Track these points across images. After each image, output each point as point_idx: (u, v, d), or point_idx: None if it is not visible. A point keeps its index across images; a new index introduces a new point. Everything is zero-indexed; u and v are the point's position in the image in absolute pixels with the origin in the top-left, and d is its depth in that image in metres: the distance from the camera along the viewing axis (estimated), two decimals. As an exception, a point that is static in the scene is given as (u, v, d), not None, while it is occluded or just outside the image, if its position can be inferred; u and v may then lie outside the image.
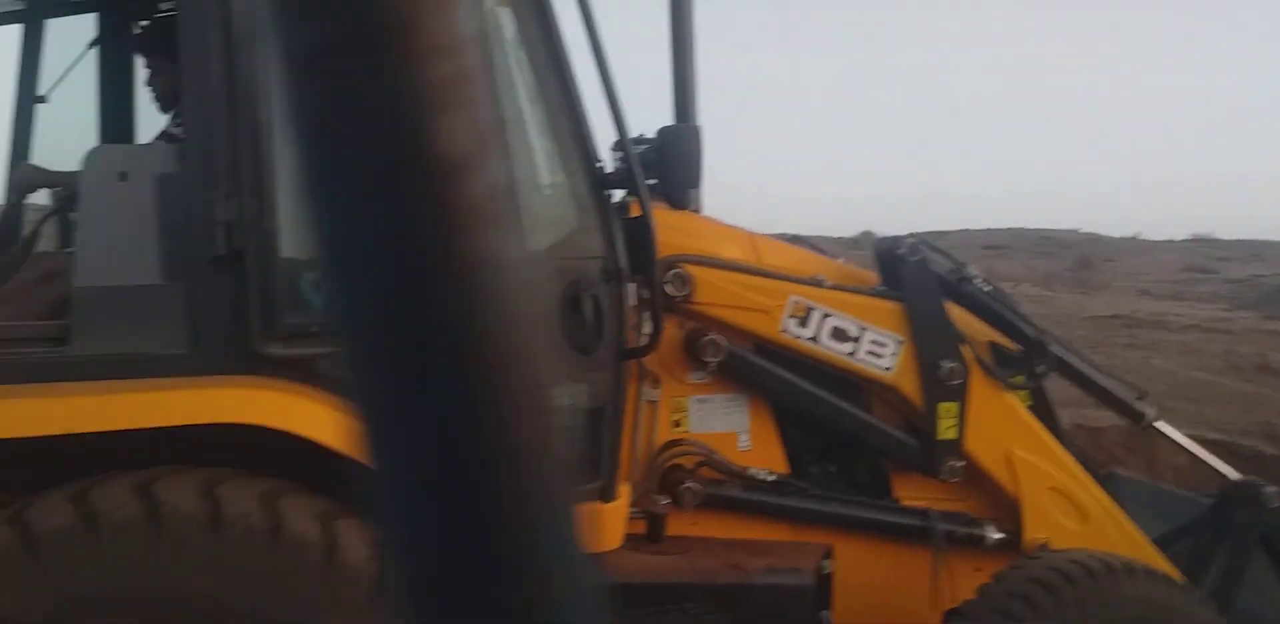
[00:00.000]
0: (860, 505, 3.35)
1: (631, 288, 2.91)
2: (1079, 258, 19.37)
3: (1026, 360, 3.46)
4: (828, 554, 3.17)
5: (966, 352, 3.38)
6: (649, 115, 3.05)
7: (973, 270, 3.53)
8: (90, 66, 3.74)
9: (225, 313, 2.47)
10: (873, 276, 3.52)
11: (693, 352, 3.19)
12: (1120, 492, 3.76)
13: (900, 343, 3.34)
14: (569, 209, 2.88)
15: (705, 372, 3.23)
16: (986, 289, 3.50)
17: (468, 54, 0.34)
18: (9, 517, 2.23)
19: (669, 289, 3.09)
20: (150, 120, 3.63)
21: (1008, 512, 3.42)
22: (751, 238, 3.42)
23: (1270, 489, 3.47)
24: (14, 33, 3.63)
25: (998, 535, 3.36)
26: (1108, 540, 3.37)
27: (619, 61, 2.86)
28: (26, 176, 3.31)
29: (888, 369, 3.33)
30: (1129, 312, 12.62)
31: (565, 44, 2.84)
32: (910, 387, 3.34)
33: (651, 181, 2.89)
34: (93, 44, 3.62)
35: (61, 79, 3.57)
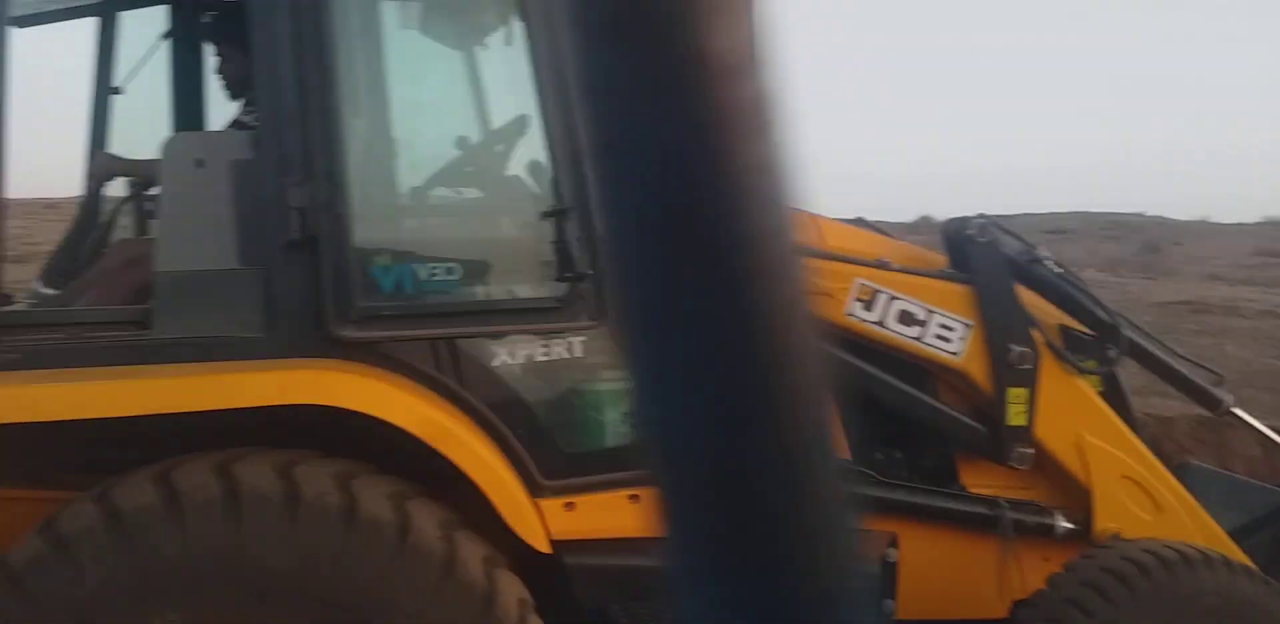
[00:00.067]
0: (926, 493, 3.31)
1: None
2: (1145, 242, 18.86)
3: (1099, 345, 3.38)
4: (892, 542, 3.13)
5: (1037, 336, 3.31)
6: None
7: (1043, 252, 3.46)
8: (162, 57, 3.82)
9: (300, 297, 2.51)
10: (940, 259, 3.46)
11: (756, 336, 3.17)
12: (1194, 482, 3.66)
13: (969, 327, 3.28)
14: None
15: None
16: (1057, 271, 3.42)
17: None
18: (96, 495, 2.31)
19: None
20: (221, 109, 3.70)
21: (1078, 500, 3.35)
22: (815, 220, 3.38)
23: None
24: (91, 26, 3.72)
25: (1068, 525, 3.30)
26: (1182, 531, 3.29)
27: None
28: (104, 165, 3.40)
29: (956, 354, 3.28)
30: (1199, 297, 12.26)
31: None
32: (979, 371, 3.29)
33: None
34: (165, 35, 3.69)
35: (136, 71, 3.65)
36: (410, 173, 3.03)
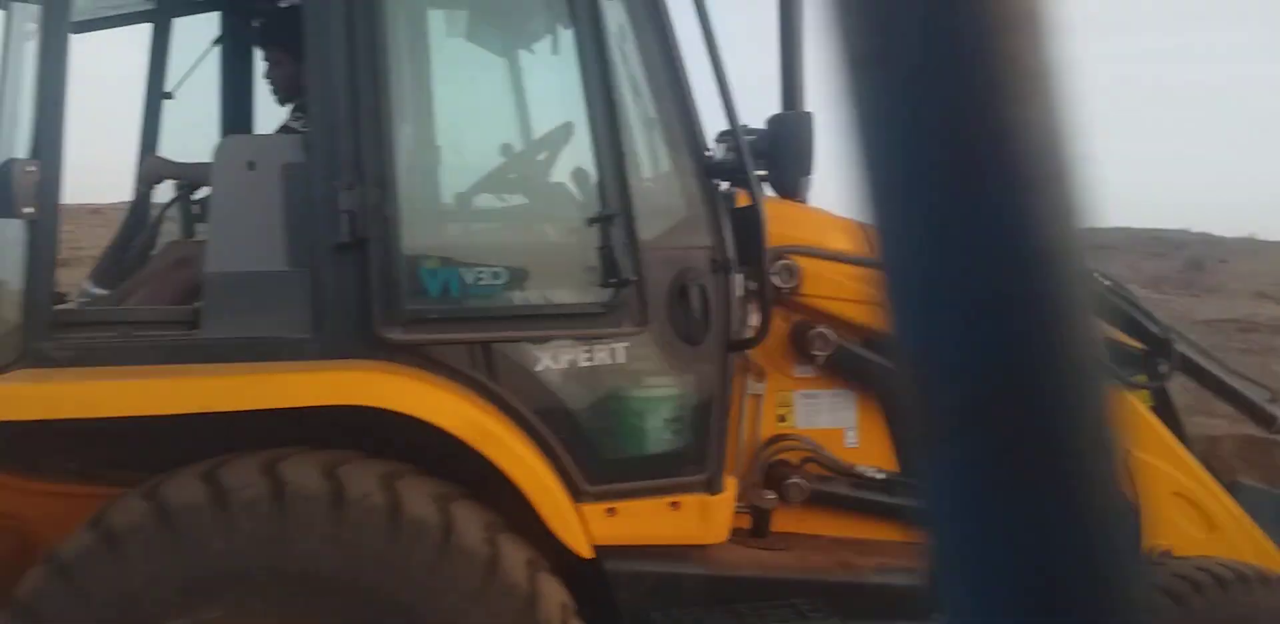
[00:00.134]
0: (972, 505, 3.26)
1: (739, 279, 2.88)
2: (1190, 258, 18.53)
3: (1149, 359, 3.31)
4: None
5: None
6: (752, 108, 2.99)
7: (1093, 264, 3.40)
8: (211, 63, 3.88)
9: (348, 299, 2.53)
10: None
11: (800, 345, 3.14)
12: (1245, 500, 3.57)
13: None
14: (677, 199, 2.86)
15: (812, 366, 3.17)
16: (1106, 284, 3.36)
17: None
18: (145, 492, 2.33)
19: (776, 280, 3.04)
20: (268, 114, 3.75)
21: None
22: (862, 229, 3.35)
23: None
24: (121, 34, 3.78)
25: None
26: (1236, 549, 3.21)
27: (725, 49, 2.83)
28: (153, 168, 3.45)
29: None
30: (1245, 315, 12.03)
31: (675, 32, 2.83)
32: None
33: (761, 173, 2.86)
34: (217, 41, 3.75)
35: (187, 76, 3.71)
36: (457, 178, 3.04)
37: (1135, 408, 3.32)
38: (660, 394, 2.83)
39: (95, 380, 2.41)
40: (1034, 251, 0.33)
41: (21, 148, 2.63)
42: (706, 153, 2.88)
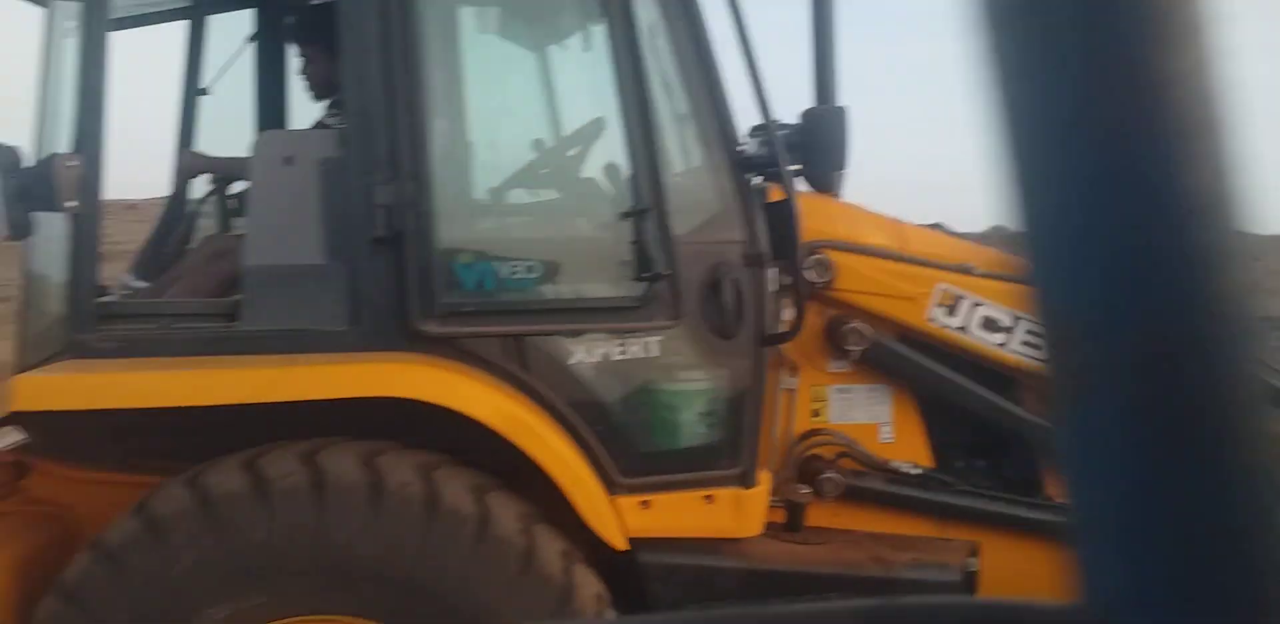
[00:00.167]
0: (1010, 502, 3.22)
1: (773, 273, 2.87)
2: None
3: None
4: (974, 552, 3.06)
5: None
6: (783, 103, 2.97)
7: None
8: (245, 59, 3.91)
9: (384, 292, 2.55)
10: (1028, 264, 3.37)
11: (834, 340, 3.12)
12: None
13: None
14: (710, 193, 2.85)
15: (846, 361, 3.15)
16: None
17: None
18: (186, 480, 2.36)
19: (810, 275, 3.02)
20: (303, 110, 3.77)
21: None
22: (896, 224, 3.33)
23: None
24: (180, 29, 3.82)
25: None
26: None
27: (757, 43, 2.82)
28: (190, 162, 3.48)
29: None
30: (1282, 312, 11.84)
31: (707, 26, 2.82)
32: None
33: (794, 167, 2.84)
34: (252, 38, 3.78)
35: (223, 72, 3.74)
36: (491, 173, 3.05)
37: None
38: (693, 388, 2.82)
39: (137, 371, 2.44)
40: (1187, 206, 0.32)
41: (63, 143, 2.66)
42: (739, 147, 2.87)
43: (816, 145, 2.82)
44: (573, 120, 3.34)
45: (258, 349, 2.51)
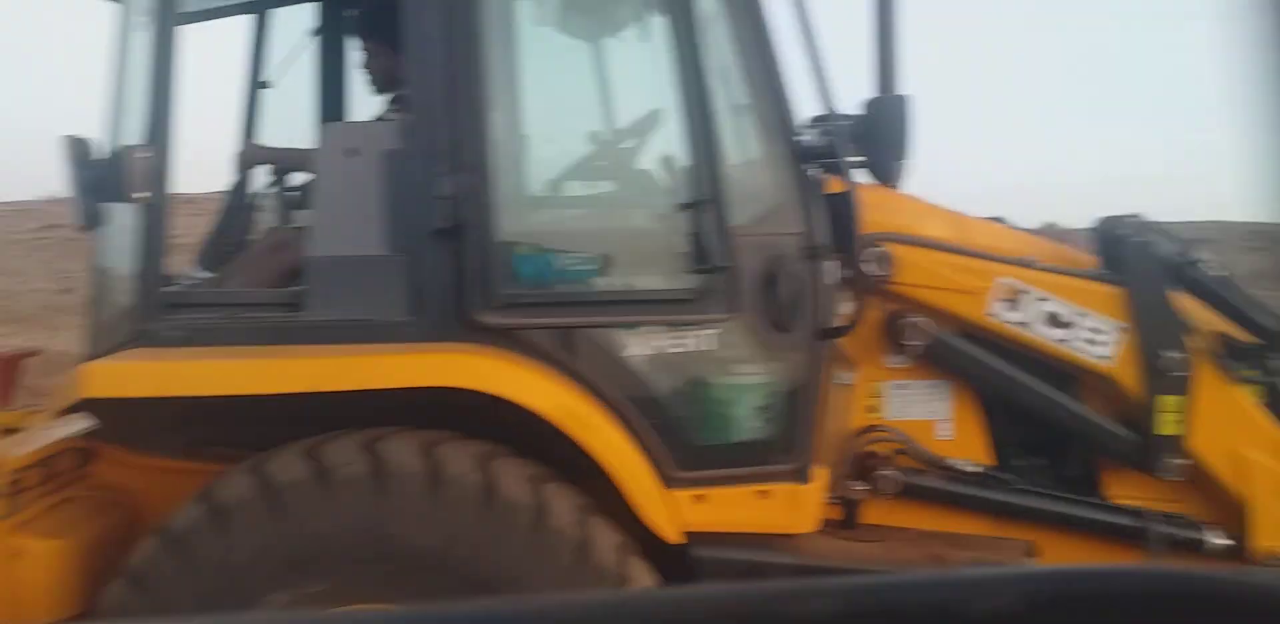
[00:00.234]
0: (1069, 502, 3.16)
1: (831, 266, 2.83)
2: (1288, 253, 17.77)
3: (1261, 353, 3.17)
4: (1031, 551, 3.01)
5: (1193, 342, 3.14)
6: (843, 95, 2.93)
7: (1201, 254, 3.27)
8: (307, 53, 3.95)
9: (444, 283, 2.56)
10: (1089, 259, 3.30)
11: (892, 334, 3.08)
12: None
13: (1120, 330, 3.13)
14: (769, 185, 2.83)
15: (905, 356, 3.11)
16: (1217, 275, 3.23)
17: None
18: (250, 468, 2.40)
19: (869, 268, 2.99)
20: (362, 104, 3.81)
21: (1233, 516, 3.15)
22: (957, 217, 3.27)
23: None
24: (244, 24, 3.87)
25: (1222, 541, 3.11)
26: (1352, 551, 3.06)
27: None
28: (252, 154, 3.53)
29: (1105, 358, 3.13)
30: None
31: (768, 15, 2.79)
32: (1129, 378, 3.13)
33: (855, 159, 2.81)
34: (316, 32, 3.82)
35: (286, 66, 3.78)
36: (550, 165, 3.06)
37: (1246, 403, 3.19)
38: (749, 382, 2.80)
39: (203, 359, 2.48)
40: None
41: (134, 135, 2.71)
42: (798, 137, 2.84)
43: (878, 135, 2.78)
44: (631, 112, 3.33)
45: (320, 339, 2.54)
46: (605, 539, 2.46)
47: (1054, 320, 3.11)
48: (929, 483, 3.10)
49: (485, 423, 2.55)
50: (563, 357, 2.63)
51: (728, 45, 2.81)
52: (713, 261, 2.64)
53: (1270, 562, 3.02)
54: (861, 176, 2.84)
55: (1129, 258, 3.16)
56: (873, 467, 3.05)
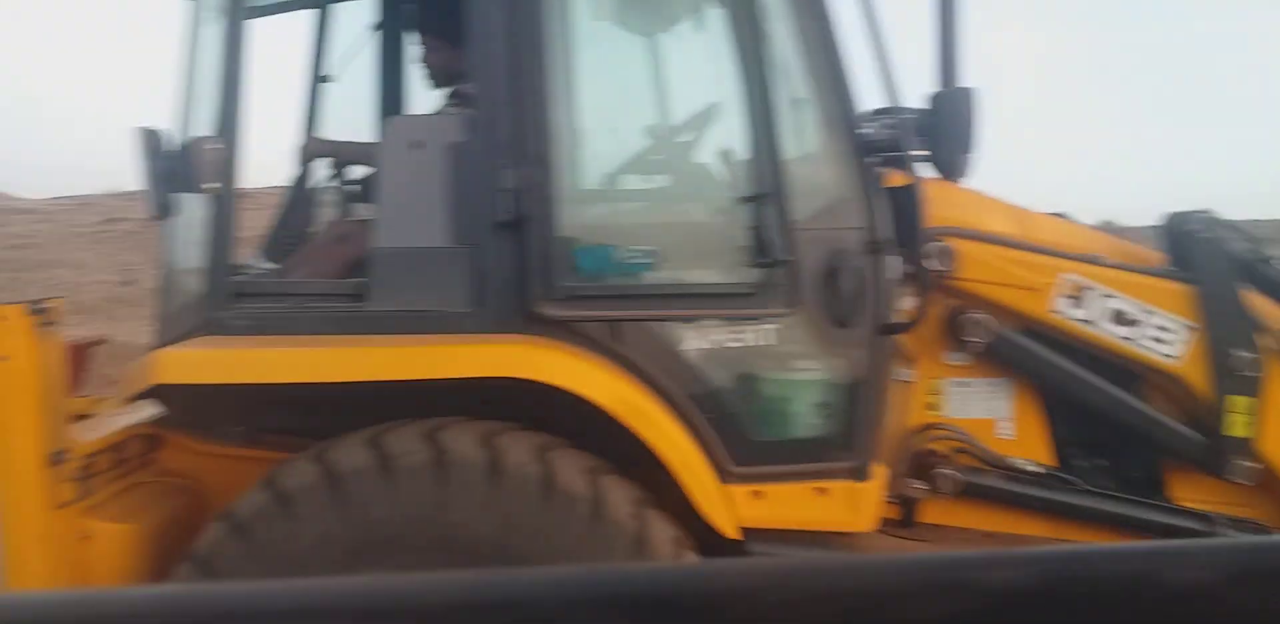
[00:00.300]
0: (1134, 504, 3.10)
1: (893, 261, 2.80)
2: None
3: None
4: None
5: (1264, 341, 3.05)
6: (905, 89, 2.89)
7: (1273, 252, 3.18)
8: (368, 47, 3.99)
9: (506, 275, 2.58)
10: (1156, 256, 3.23)
11: (953, 331, 3.04)
12: None
13: (1189, 329, 3.05)
14: (830, 178, 2.80)
15: (965, 353, 3.07)
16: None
17: None
18: (314, 455, 2.43)
19: (930, 263, 2.95)
20: (421, 98, 3.84)
21: (1305, 522, 3.07)
22: (1020, 212, 3.22)
23: None
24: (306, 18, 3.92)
25: None
26: None
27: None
28: (314, 147, 3.58)
29: (1173, 357, 3.06)
30: None
31: (831, 6, 2.77)
32: (1198, 377, 3.05)
33: (919, 153, 2.77)
34: (376, 27, 3.86)
35: (348, 60, 3.83)
36: (612, 158, 3.06)
37: None
38: (809, 377, 2.78)
39: (270, 348, 2.52)
40: None
41: (204, 127, 2.76)
42: (860, 130, 2.81)
43: (943, 128, 2.74)
44: (690, 105, 3.32)
45: (383, 329, 2.57)
46: (661, 533, 2.46)
47: (1120, 318, 3.05)
48: (989, 482, 3.06)
49: (541, 415, 2.56)
50: (622, 349, 2.64)
51: (790, 37, 2.79)
52: (773, 255, 2.62)
53: None
54: (924, 170, 2.81)
55: (1198, 254, 3.09)
56: (932, 465, 3.01)
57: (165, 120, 2.91)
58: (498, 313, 2.58)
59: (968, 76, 3.42)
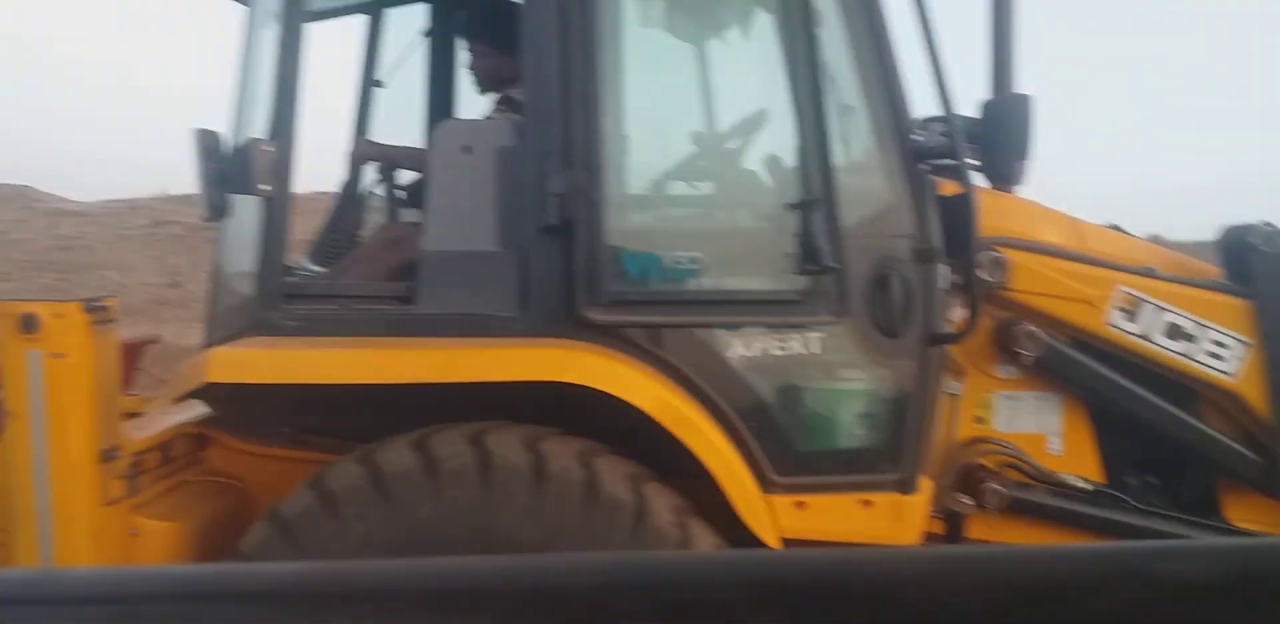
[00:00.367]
0: (1186, 524, 3.03)
1: (944, 270, 2.77)
2: None
3: None
4: None
5: (1327, 359, 2.97)
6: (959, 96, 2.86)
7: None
8: (418, 53, 4.03)
9: (553, 279, 2.58)
10: (1212, 269, 3.16)
11: (1003, 343, 2.99)
12: None
13: (1246, 345, 2.98)
14: (880, 185, 2.77)
15: (1015, 366, 3.02)
16: None
17: None
18: (359, 457, 2.44)
19: (982, 273, 2.90)
20: (469, 103, 3.87)
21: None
22: (1074, 222, 3.17)
23: None
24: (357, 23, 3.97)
25: None
26: None
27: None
28: (363, 150, 3.61)
29: (1229, 373, 2.98)
30: None
31: (885, 13, 2.74)
32: (1255, 395, 2.98)
33: (972, 161, 2.74)
34: (427, 33, 3.89)
35: (399, 65, 3.86)
36: (660, 163, 3.05)
37: None
38: (855, 387, 2.75)
39: (319, 349, 2.54)
40: None
41: (259, 129, 2.80)
42: (913, 136, 2.78)
43: (998, 135, 2.70)
44: (741, 111, 3.31)
45: (431, 331, 2.58)
46: (704, 541, 2.44)
47: (1175, 332, 2.98)
48: (1038, 499, 3.00)
49: (581, 420, 2.55)
50: (666, 355, 2.62)
51: (842, 42, 2.77)
52: (822, 262, 2.60)
53: None
54: (978, 179, 2.77)
55: (1257, 268, 3.02)
56: (979, 480, 2.96)
57: (218, 124, 2.95)
58: (544, 317, 2.58)
59: (1023, 83, 3.38)
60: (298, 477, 2.54)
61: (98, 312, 2.54)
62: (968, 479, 2.99)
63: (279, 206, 2.64)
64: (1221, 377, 3.00)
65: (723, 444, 2.58)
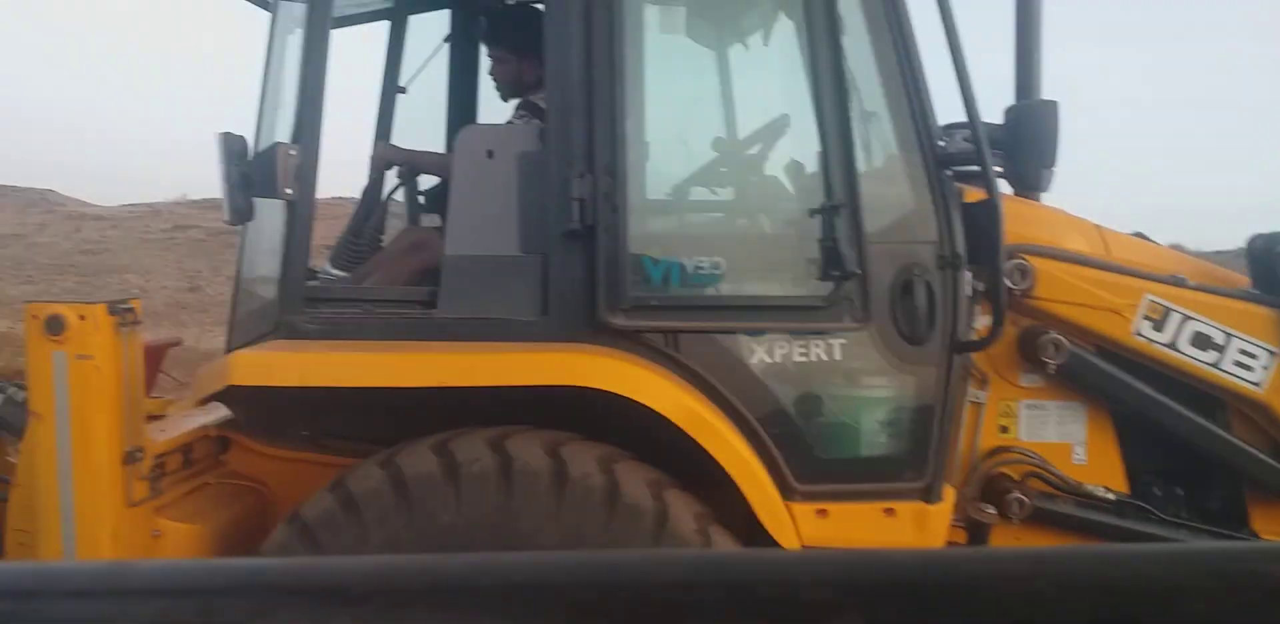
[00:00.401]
0: (1212, 535, 2.99)
1: (968, 277, 2.74)
2: None
3: None
4: None
5: (1357, 370, 2.93)
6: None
7: (1368, 277, 3.06)
8: (439, 59, 4.05)
9: (575, 284, 2.57)
10: (1240, 278, 3.13)
11: (1028, 351, 2.97)
12: None
13: (1273, 355, 2.94)
14: (905, 191, 2.76)
15: (1040, 374, 2.99)
16: None
17: None
18: (381, 461, 2.44)
19: (1007, 281, 2.88)
20: (491, 109, 3.88)
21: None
22: (1100, 231, 3.14)
23: None
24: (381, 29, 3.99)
25: None
26: None
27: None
28: (385, 154, 3.62)
29: (1257, 384, 2.95)
30: None
31: (910, 21, 2.73)
32: None
33: (997, 169, 2.71)
34: (448, 39, 3.91)
35: (420, 71, 3.88)
36: (682, 170, 3.05)
37: None
38: (878, 395, 2.73)
39: (342, 352, 2.54)
40: None
41: (283, 134, 2.81)
42: (937, 143, 2.76)
43: (1023, 141, 2.67)
44: (763, 117, 3.31)
45: (452, 336, 2.58)
46: (723, 547, 2.42)
47: (1202, 341, 2.95)
48: (1061, 509, 2.97)
49: (601, 425, 2.54)
50: (687, 361, 2.61)
51: (866, 49, 2.75)
52: (845, 268, 2.58)
53: None
54: (1004, 186, 2.75)
55: None
56: (1003, 489, 2.93)
57: (243, 128, 2.97)
58: (565, 322, 2.58)
59: (1049, 89, 3.36)
60: (318, 480, 2.54)
61: (123, 313, 2.55)
62: (991, 488, 2.97)
63: (302, 211, 2.64)
64: (1249, 387, 2.96)
65: (744, 450, 2.57)
